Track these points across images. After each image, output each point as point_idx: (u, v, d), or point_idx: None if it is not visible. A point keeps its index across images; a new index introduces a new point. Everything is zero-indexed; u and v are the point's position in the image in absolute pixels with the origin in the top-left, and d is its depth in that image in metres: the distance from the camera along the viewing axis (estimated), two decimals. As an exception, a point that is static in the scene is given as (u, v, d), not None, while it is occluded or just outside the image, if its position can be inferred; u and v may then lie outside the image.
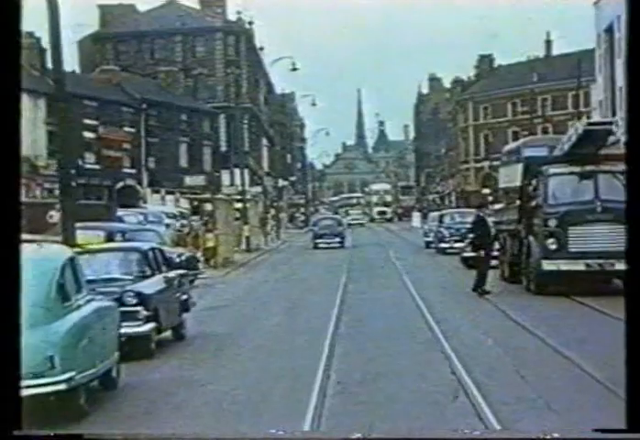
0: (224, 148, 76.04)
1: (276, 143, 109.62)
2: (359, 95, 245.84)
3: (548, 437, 4.62)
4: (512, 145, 43.81)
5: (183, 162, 71.47)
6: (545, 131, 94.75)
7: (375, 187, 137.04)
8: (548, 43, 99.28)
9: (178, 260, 25.09)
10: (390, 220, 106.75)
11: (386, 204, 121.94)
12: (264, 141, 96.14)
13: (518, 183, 24.85)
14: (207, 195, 43.30)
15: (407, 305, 20.35)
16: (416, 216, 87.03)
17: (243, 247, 45.21)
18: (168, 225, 40.32)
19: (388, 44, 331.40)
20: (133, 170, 65.79)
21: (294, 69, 56.00)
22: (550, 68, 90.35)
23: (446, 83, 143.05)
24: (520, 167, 25.07)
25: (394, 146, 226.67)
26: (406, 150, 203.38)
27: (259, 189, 59.46)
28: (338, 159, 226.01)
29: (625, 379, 4.81)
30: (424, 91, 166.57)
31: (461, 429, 8.08)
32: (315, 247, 50.19)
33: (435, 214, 47.36)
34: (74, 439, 5.11)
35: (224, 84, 78.28)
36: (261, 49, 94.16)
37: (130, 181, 64.95)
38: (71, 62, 77.44)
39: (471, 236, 23.31)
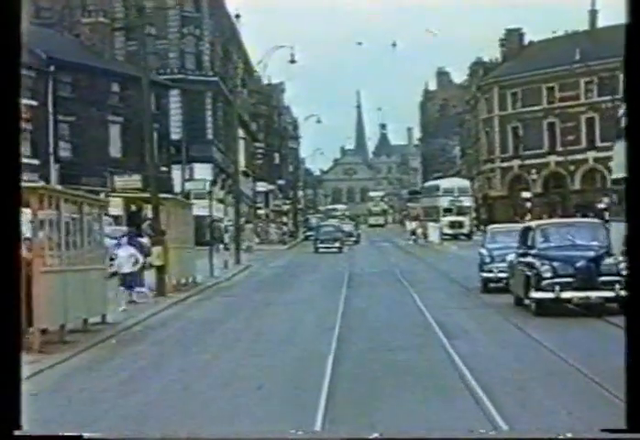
0: (176, 136, 56.30)
1: (259, 139, 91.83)
2: (359, 97, 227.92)
3: (561, 437, 4.60)
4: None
5: (115, 151, 51.24)
6: (590, 123, 77.91)
7: (445, 185, 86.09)
8: (593, 13, 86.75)
9: None
10: (468, 235, 71.25)
11: (462, 212, 77.74)
12: (240, 133, 76.90)
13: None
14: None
15: None
16: (433, 228, 68.23)
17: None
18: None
19: (390, 42, 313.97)
20: (35, 161, 46.31)
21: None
22: (596, 43, 76.69)
23: (456, 79, 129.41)
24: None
25: (397, 150, 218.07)
26: (410, 155, 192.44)
27: (199, 185, 39.54)
28: (337, 164, 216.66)
29: (625, 380, 4.61)
30: (432, 88, 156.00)
31: (475, 430, 7.96)
32: (316, 250, 56.04)
33: (505, 227, 25.50)
34: (74, 439, 5.20)
35: (178, 49, 58.45)
36: (237, 16, 75.60)
37: (30, 177, 45.34)
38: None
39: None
